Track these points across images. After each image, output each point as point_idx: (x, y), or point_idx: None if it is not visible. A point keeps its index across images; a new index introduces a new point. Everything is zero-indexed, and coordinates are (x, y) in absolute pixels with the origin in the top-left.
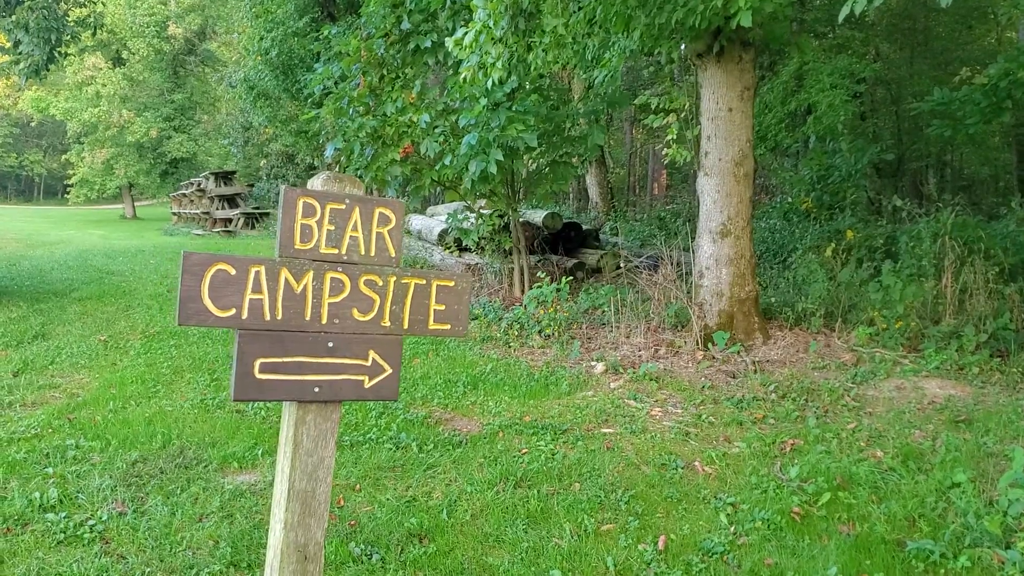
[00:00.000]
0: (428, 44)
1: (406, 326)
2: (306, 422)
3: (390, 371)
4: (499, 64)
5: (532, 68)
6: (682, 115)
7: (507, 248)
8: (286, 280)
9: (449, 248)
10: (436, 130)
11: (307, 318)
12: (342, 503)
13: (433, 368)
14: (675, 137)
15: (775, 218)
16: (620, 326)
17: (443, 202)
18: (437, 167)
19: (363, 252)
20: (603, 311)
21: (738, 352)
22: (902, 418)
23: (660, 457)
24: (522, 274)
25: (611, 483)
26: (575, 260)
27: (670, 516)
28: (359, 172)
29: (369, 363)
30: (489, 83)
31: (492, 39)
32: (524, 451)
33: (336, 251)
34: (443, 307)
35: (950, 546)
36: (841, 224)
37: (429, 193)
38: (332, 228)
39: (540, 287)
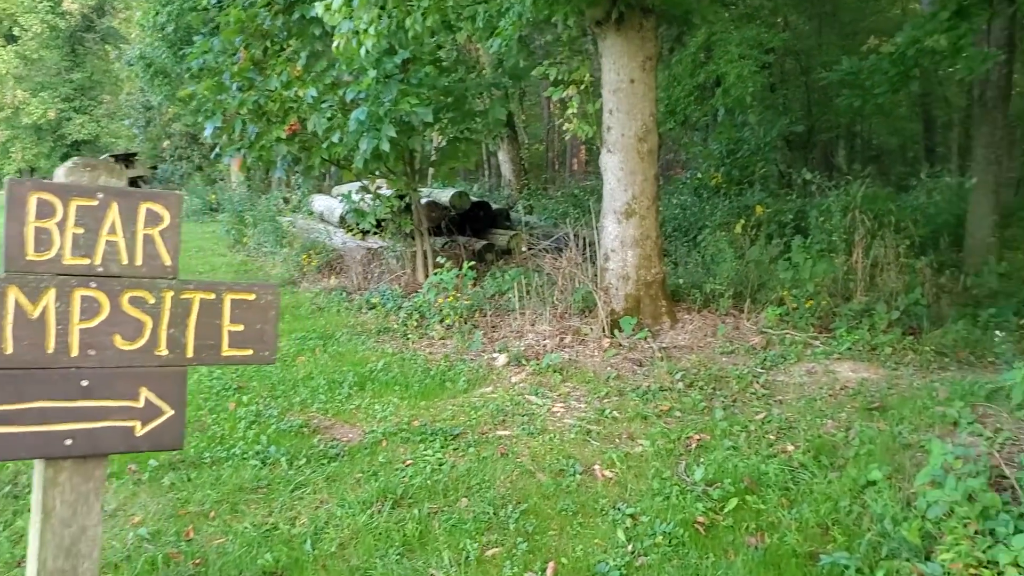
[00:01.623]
0: (314, 13)
1: (191, 354)
2: (58, 484)
3: (171, 413)
4: (371, 31)
5: (411, 35)
6: (582, 87)
7: (409, 231)
8: (16, 302)
9: (351, 231)
10: (324, 105)
11: (50, 351)
12: (191, 535)
13: (318, 367)
14: (575, 111)
15: (685, 194)
16: (525, 313)
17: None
18: (325, 145)
19: (125, 261)
20: (509, 297)
21: (645, 338)
22: (813, 406)
23: (558, 462)
24: (425, 258)
25: (502, 496)
26: (485, 241)
27: (563, 534)
28: (242, 151)
29: (141, 404)
30: (363, 51)
31: (366, 3)
32: (408, 462)
33: (87, 261)
34: (241, 327)
35: (866, 559)
36: (751, 199)
37: (324, 172)
38: (81, 231)
39: (440, 273)
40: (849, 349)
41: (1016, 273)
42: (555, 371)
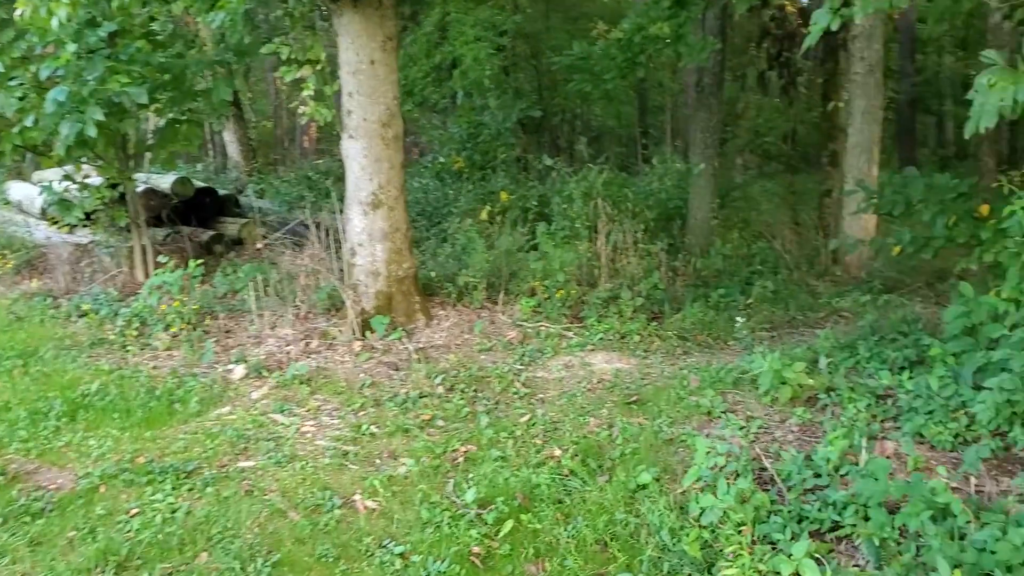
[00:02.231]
0: None
1: None
2: None
3: None
4: None
5: (115, 5)
6: (317, 67)
7: (124, 223)
8: None
9: (56, 224)
10: (13, 82)
11: None
12: None
13: (17, 394)
14: (312, 94)
15: (427, 178)
16: (264, 315)
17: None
18: (17, 129)
19: None
20: (243, 297)
21: (400, 339)
22: (575, 403)
23: (312, 495)
24: (144, 254)
25: (250, 546)
26: (213, 232)
27: None
28: None
29: None
30: (55, 23)
31: None
32: (133, 512)
33: None
34: None
35: None
36: (495, 185)
37: (17, 160)
38: None
39: (162, 273)
40: (601, 339)
41: (736, 252)
42: (302, 382)
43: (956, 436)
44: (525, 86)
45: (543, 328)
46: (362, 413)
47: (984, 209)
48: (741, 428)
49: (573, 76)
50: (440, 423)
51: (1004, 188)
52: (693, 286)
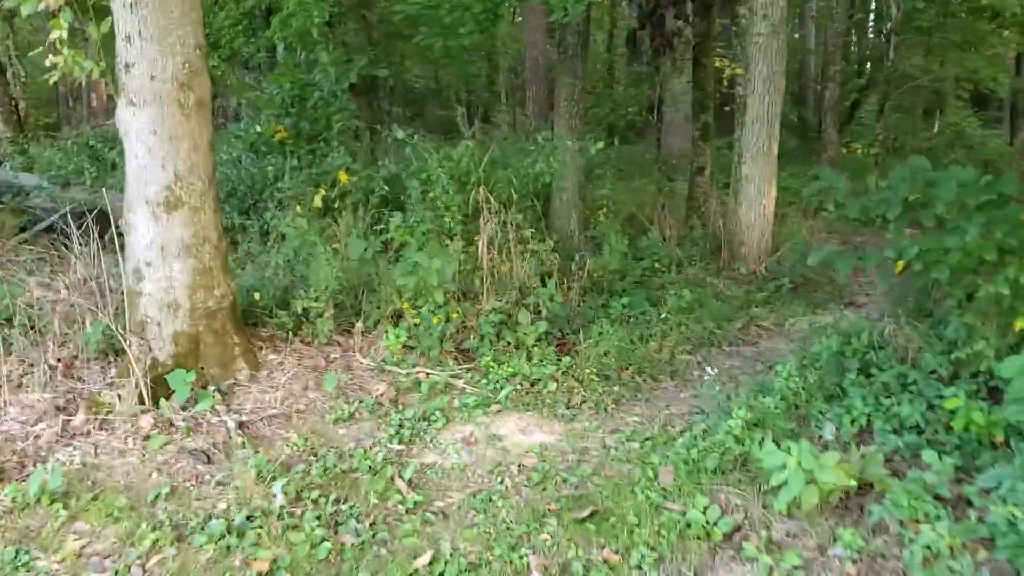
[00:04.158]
0: None
1: None
2: None
3: None
4: None
5: None
6: None
7: None
8: None
9: None
10: None
11: None
12: None
13: None
14: (63, 36)
15: (239, 149)
16: (5, 366)
17: None
18: None
19: None
20: None
21: (212, 407)
22: (495, 519)
23: None
24: None
25: None
26: None
27: None
28: None
29: None
30: None
31: None
32: None
33: None
34: None
35: None
36: (333, 163)
37: None
38: None
39: None
40: (508, 393)
41: (629, 247)
42: (54, 500)
43: None
44: (353, 40)
45: (422, 374)
46: (154, 561)
47: None
48: (766, 569)
49: (419, 29)
50: None
51: None
52: (590, 291)
